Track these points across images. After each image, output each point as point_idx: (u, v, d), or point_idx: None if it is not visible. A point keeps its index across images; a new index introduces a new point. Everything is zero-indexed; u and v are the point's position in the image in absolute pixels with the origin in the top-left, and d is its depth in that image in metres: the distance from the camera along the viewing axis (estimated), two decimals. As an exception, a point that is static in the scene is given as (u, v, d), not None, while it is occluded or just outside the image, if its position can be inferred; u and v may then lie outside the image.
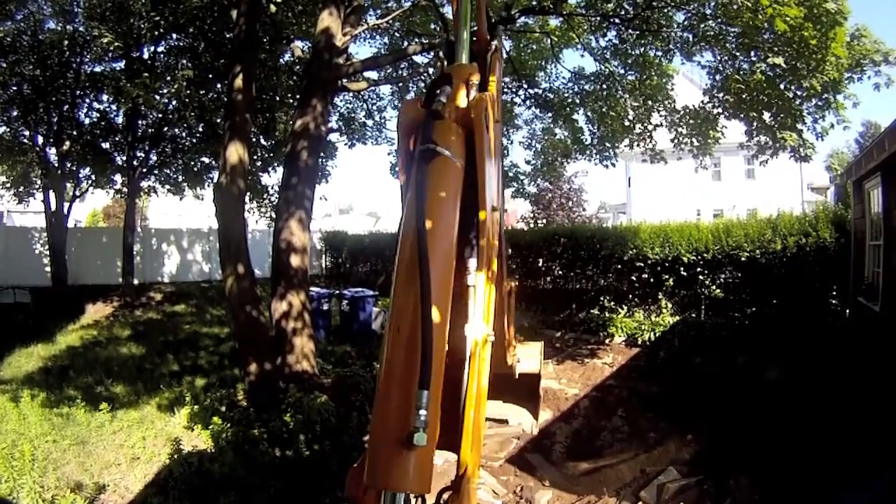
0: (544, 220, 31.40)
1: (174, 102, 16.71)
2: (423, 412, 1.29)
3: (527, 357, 5.23)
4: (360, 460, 1.43)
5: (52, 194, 18.11)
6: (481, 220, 1.62)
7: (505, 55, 14.38)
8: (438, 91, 1.66)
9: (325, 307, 13.45)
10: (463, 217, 1.57)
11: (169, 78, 15.63)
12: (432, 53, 11.33)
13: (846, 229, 11.20)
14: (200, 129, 18.38)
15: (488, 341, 1.71)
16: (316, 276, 22.69)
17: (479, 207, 1.63)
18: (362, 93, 16.12)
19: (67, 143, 17.60)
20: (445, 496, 1.50)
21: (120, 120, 18.45)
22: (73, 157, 18.00)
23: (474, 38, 2.18)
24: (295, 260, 8.83)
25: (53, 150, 18.02)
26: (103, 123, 18.39)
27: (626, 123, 13.64)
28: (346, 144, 17.92)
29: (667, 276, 12.97)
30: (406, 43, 14.43)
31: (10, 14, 15.62)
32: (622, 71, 13.26)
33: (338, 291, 14.39)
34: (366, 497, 1.35)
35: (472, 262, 1.58)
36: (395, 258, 1.49)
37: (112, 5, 14.93)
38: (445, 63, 2.03)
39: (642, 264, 13.36)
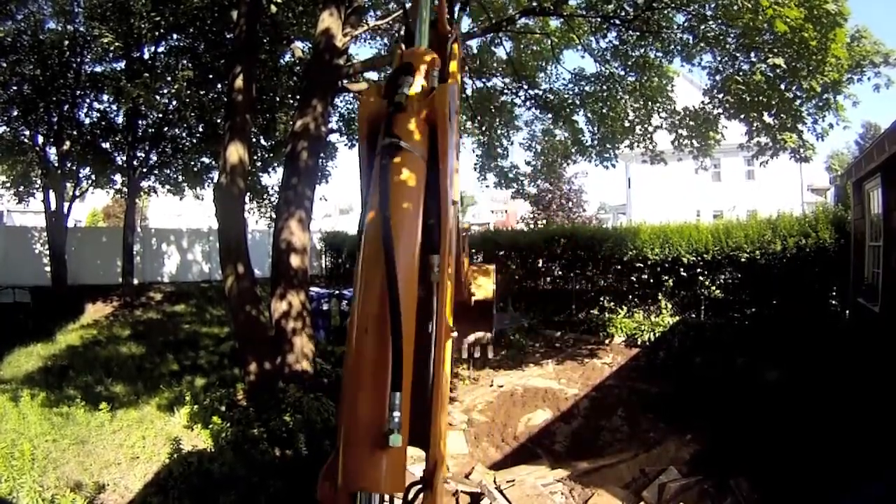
0: (544, 221, 31.45)
1: (174, 103, 16.70)
2: (396, 413, 1.29)
3: (481, 286, 5.36)
4: (330, 461, 1.43)
5: (52, 194, 18.07)
6: (443, 215, 1.57)
7: (505, 56, 14.44)
8: (400, 82, 1.61)
9: (325, 307, 13.47)
10: (424, 211, 1.54)
11: (169, 78, 15.63)
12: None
13: (846, 230, 11.22)
14: (200, 130, 18.36)
15: (451, 337, 1.71)
16: (316, 276, 22.68)
17: (442, 201, 1.58)
18: (362, 93, 16.11)
19: (67, 142, 17.58)
20: (414, 491, 1.48)
21: (120, 120, 18.44)
22: (73, 156, 17.98)
23: (434, 26, 2.11)
24: (295, 260, 8.83)
25: (53, 150, 18.00)
26: (103, 123, 18.36)
27: (627, 125, 13.63)
28: (346, 145, 17.94)
29: (667, 277, 13.00)
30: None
31: (10, 14, 15.63)
32: (622, 72, 13.25)
33: (338, 291, 14.39)
34: (339, 499, 1.36)
35: (435, 258, 1.53)
36: (358, 255, 1.46)
37: (112, 5, 14.91)
38: (404, 48, 1.93)
39: (642, 265, 13.38)
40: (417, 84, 1.67)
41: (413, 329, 1.42)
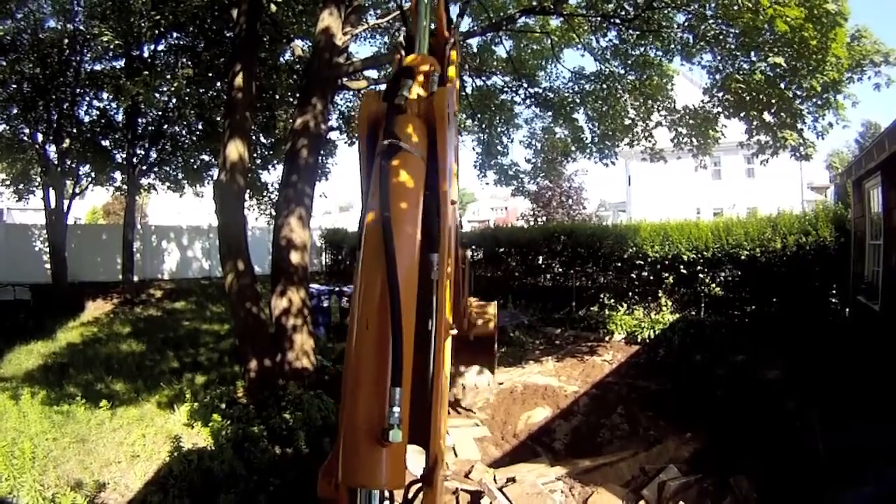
0: (544, 218, 31.48)
1: (174, 100, 16.68)
2: (396, 409, 1.30)
3: (482, 320, 5.31)
4: (330, 458, 1.45)
5: (51, 191, 18.06)
6: (443, 215, 1.61)
7: (505, 55, 14.43)
8: (400, 84, 1.66)
9: (325, 304, 13.47)
10: (423, 211, 1.57)
11: (169, 76, 15.58)
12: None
13: (846, 228, 11.24)
14: (200, 127, 18.37)
15: (450, 334, 1.76)
16: (316, 273, 22.68)
17: (441, 202, 1.61)
18: (362, 91, 16.11)
19: (67, 140, 17.56)
20: (414, 489, 1.51)
21: (120, 118, 18.44)
22: (73, 154, 17.96)
23: (434, 33, 2.18)
24: (295, 257, 8.83)
25: (53, 148, 17.97)
26: (103, 121, 18.36)
27: (627, 123, 13.64)
28: (345, 142, 17.93)
29: (667, 274, 13.01)
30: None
31: (10, 12, 15.61)
32: (622, 71, 13.25)
33: (338, 288, 14.39)
34: (339, 495, 1.37)
35: (434, 257, 1.55)
36: (359, 253, 1.49)
37: (112, 4, 14.87)
38: (404, 54, 2.00)
39: (642, 262, 13.40)
40: (417, 87, 1.71)
41: (413, 325, 1.43)
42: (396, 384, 1.32)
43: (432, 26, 2.20)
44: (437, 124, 1.63)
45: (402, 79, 1.68)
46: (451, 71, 2.15)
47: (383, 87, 1.82)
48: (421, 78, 1.75)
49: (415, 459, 1.52)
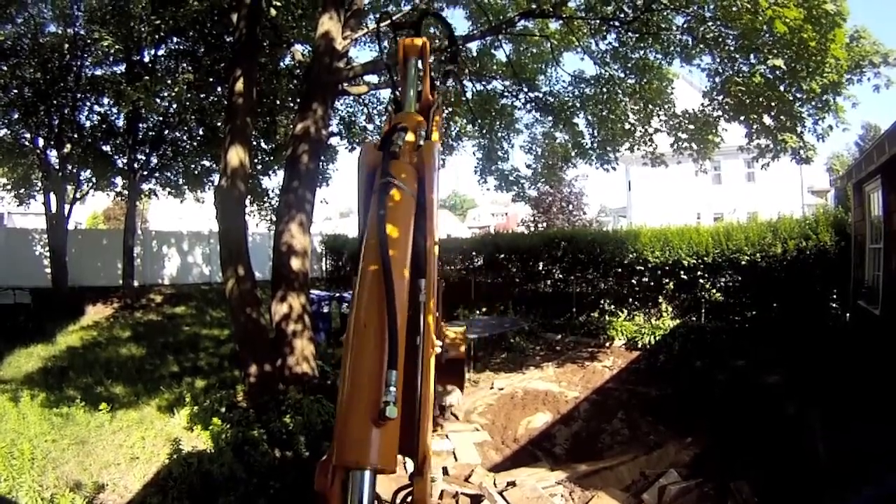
0: (544, 224, 31.48)
1: (175, 106, 16.74)
2: (392, 388, 1.39)
3: (454, 344, 5.42)
4: (327, 454, 1.51)
5: (52, 196, 18.07)
6: (429, 248, 1.85)
7: (505, 59, 14.45)
8: (395, 136, 1.91)
9: (326, 310, 13.49)
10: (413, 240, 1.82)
11: (169, 81, 15.62)
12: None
13: (846, 232, 11.22)
14: (201, 133, 18.40)
15: (436, 351, 2.01)
16: (316, 278, 22.69)
17: (429, 236, 1.86)
18: (363, 97, 16.11)
19: (68, 145, 17.61)
20: (402, 494, 1.67)
21: (120, 123, 18.44)
22: (74, 159, 18.00)
23: (419, 97, 2.54)
24: (295, 263, 8.84)
25: (54, 153, 18.02)
26: (104, 126, 18.39)
27: (627, 127, 13.64)
28: (346, 148, 17.92)
29: (667, 280, 13.00)
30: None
31: (10, 17, 15.66)
32: (622, 74, 13.26)
33: (338, 294, 14.41)
34: (332, 488, 1.42)
35: (422, 282, 1.77)
36: (358, 269, 1.66)
37: (112, 9, 14.97)
38: (394, 114, 2.38)
39: (642, 268, 13.39)
40: (409, 139, 2.00)
41: (404, 332, 1.58)
42: (392, 367, 1.43)
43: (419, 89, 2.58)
44: (426, 174, 1.91)
45: (396, 132, 1.94)
46: (435, 132, 2.46)
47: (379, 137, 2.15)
48: (412, 130, 2.04)
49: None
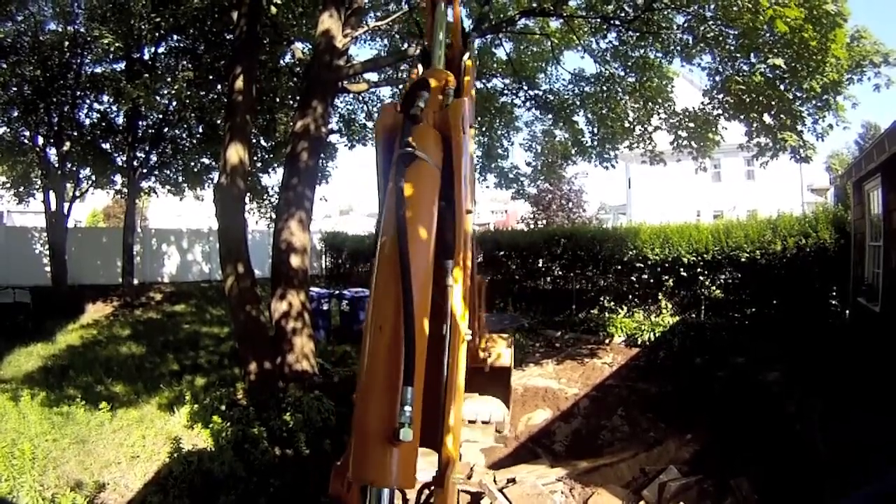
0: (544, 221, 31.44)
1: (174, 103, 16.74)
2: (408, 408, 1.31)
3: (498, 351, 5.26)
4: (343, 458, 1.45)
5: (52, 194, 18.09)
6: (457, 222, 1.66)
7: (505, 57, 14.44)
8: (416, 96, 1.68)
9: (325, 307, 13.46)
10: (437, 219, 1.60)
11: (169, 79, 15.64)
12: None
13: (846, 230, 11.22)
14: (200, 130, 18.42)
15: (465, 340, 1.77)
16: (316, 276, 22.69)
17: (456, 210, 1.66)
18: (363, 94, 16.11)
19: (68, 143, 17.62)
20: (427, 492, 1.57)
21: (120, 121, 18.48)
22: (74, 157, 18.02)
23: (449, 46, 2.22)
24: (295, 260, 8.84)
25: (54, 151, 18.04)
26: (103, 124, 18.40)
27: (626, 125, 13.65)
28: (346, 146, 17.89)
29: (667, 277, 13.00)
30: (406, 45, 14.42)
31: (10, 15, 15.65)
32: (622, 73, 13.27)
33: (338, 292, 14.39)
34: (349, 494, 1.37)
35: (449, 263, 1.59)
36: (375, 258, 1.51)
37: (113, 6, 14.95)
38: (421, 69, 2.06)
39: (642, 265, 13.39)
40: (434, 100, 1.76)
41: (426, 329, 1.45)
42: (408, 383, 1.33)
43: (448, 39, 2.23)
44: (453, 135, 1.68)
45: (418, 91, 1.70)
46: (467, 81, 2.18)
47: (401, 96, 1.86)
48: (438, 87, 1.79)
49: (424, 462, 1.51)
